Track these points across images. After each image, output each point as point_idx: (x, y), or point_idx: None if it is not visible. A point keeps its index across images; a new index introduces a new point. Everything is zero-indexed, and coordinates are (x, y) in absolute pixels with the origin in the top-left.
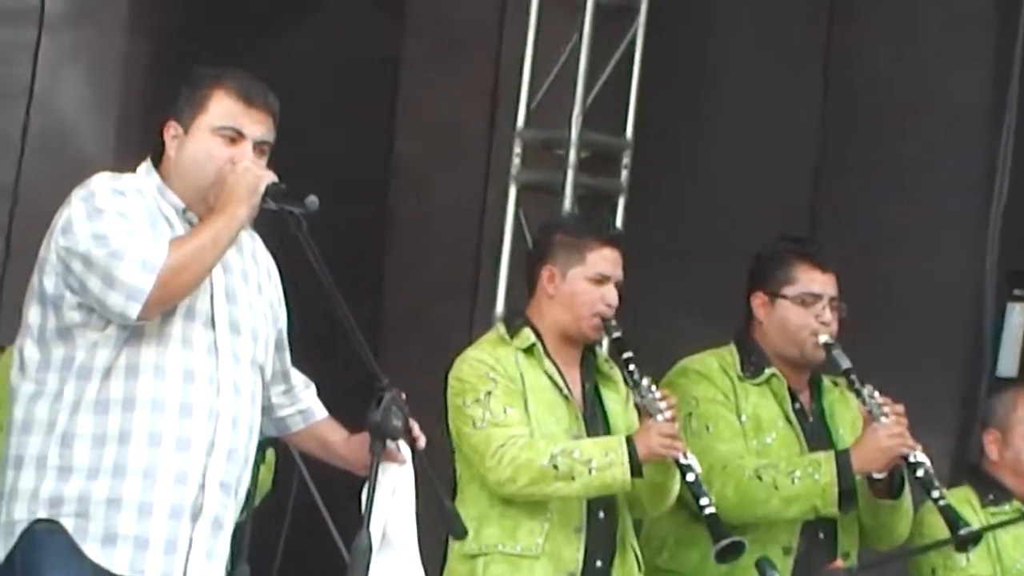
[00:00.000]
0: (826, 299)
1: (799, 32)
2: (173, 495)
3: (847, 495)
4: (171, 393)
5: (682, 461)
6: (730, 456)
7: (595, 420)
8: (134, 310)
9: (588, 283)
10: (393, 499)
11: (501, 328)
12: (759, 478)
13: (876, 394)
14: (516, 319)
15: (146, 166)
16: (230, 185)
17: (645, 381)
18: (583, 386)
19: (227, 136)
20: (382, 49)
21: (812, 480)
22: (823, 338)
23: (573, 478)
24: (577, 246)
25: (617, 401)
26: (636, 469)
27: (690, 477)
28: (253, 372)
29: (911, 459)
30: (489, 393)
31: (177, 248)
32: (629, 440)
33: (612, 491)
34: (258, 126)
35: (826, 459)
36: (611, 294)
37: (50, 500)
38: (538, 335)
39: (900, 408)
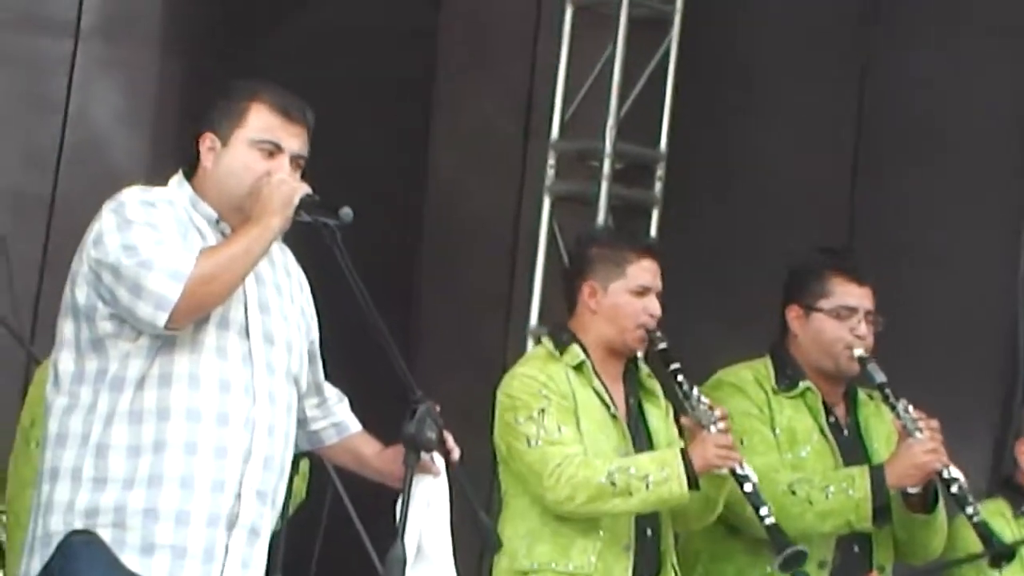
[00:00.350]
0: (862, 312)
1: (835, 44)
2: (210, 503)
3: (881, 510)
4: (207, 402)
5: (739, 472)
6: (765, 470)
7: (639, 436)
8: (162, 319)
9: (630, 296)
10: (428, 511)
11: (549, 344)
12: (793, 493)
13: (911, 408)
14: (562, 334)
15: (178, 178)
16: (264, 196)
17: (696, 391)
18: (627, 401)
19: (265, 149)
20: (417, 62)
21: (846, 495)
22: (858, 352)
23: (631, 494)
24: (616, 259)
25: (659, 416)
26: (693, 481)
27: (748, 487)
28: (288, 383)
29: (945, 475)
30: (543, 411)
31: (207, 257)
32: (684, 453)
33: (669, 505)
34: (295, 140)
35: (860, 474)
36: (653, 305)
37: (86, 511)
38: (585, 352)
39: (935, 423)
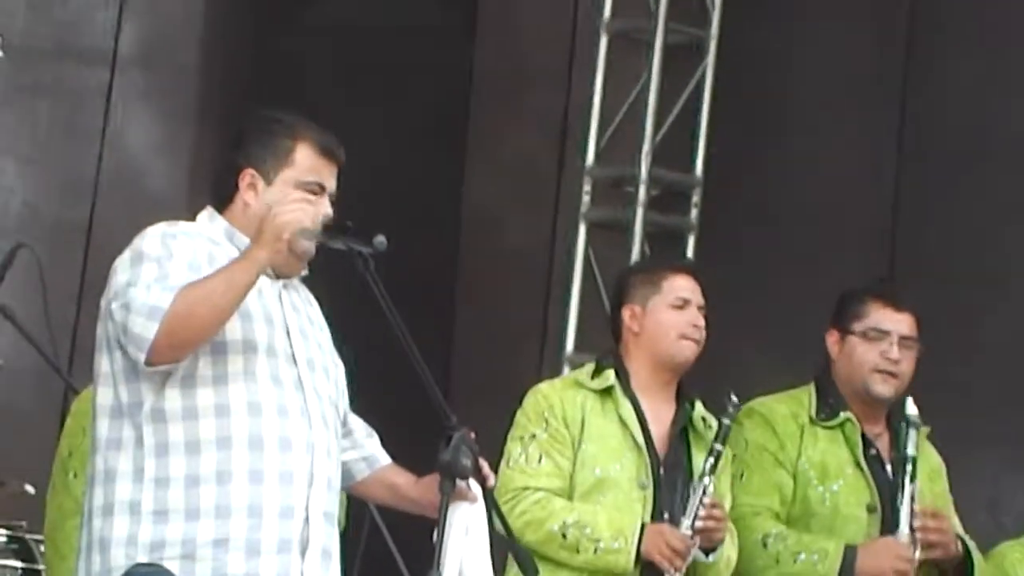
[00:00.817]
0: (895, 336)
1: (875, 67)
2: (280, 530)
3: None
4: (269, 429)
5: None
6: (747, 512)
7: (676, 468)
8: (140, 358)
9: (670, 309)
10: (467, 538)
11: (588, 367)
12: (765, 546)
13: (916, 495)
14: (606, 357)
15: (208, 213)
16: (258, 228)
17: (707, 480)
18: (671, 431)
19: (311, 191)
20: (453, 91)
21: (813, 566)
22: (911, 409)
23: (578, 551)
24: (652, 279)
25: (703, 457)
26: (639, 558)
27: None
28: (331, 407)
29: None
30: (533, 436)
31: (186, 293)
32: (643, 529)
33: (614, 574)
34: (332, 179)
35: (835, 551)
36: (696, 316)
37: (151, 545)
38: (624, 376)
39: (945, 526)
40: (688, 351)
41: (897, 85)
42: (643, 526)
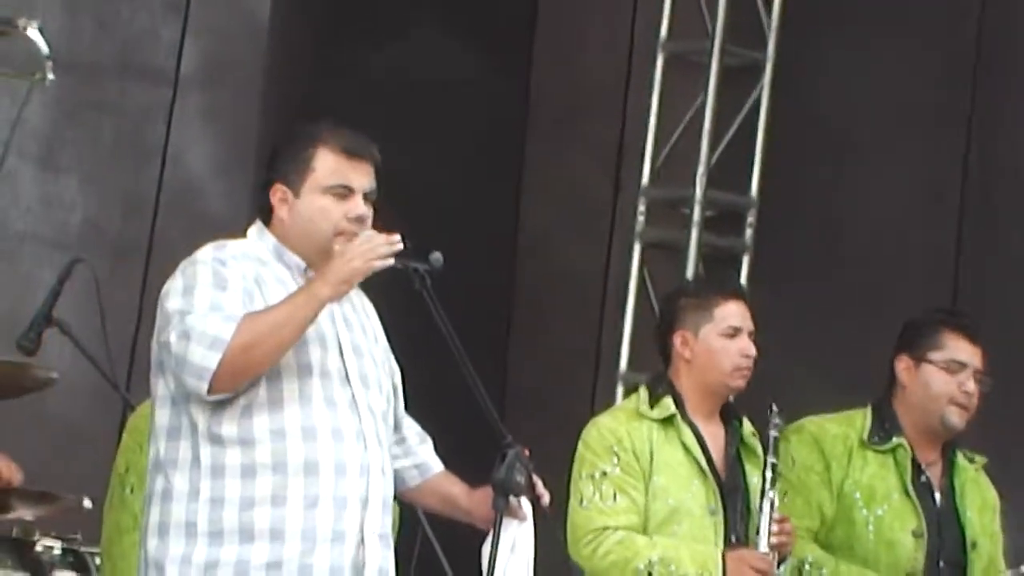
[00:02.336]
0: (971, 369)
1: (938, 88)
2: (331, 555)
3: None
4: (324, 453)
5: None
6: None
7: (735, 493)
8: (203, 388)
9: (722, 338)
10: (512, 555)
11: (643, 394)
12: (799, 572)
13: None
14: (659, 385)
15: (257, 228)
16: (330, 264)
17: (772, 494)
18: (727, 451)
19: (338, 194)
20: (509, 114)
21: None
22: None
23: None
24: (703, 305)
25: (758, 475)
26: None
27: None
28: (385, 424)
29: None
30: (605, 473)
31: (249, 324)
32: (724, 558)
33: None
34: (364, 178)
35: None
36: (747, 345)
37: (205, 565)
38: (680, 403)
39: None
40: (740, 381)
41: (963, 109)
42: (723, 555)
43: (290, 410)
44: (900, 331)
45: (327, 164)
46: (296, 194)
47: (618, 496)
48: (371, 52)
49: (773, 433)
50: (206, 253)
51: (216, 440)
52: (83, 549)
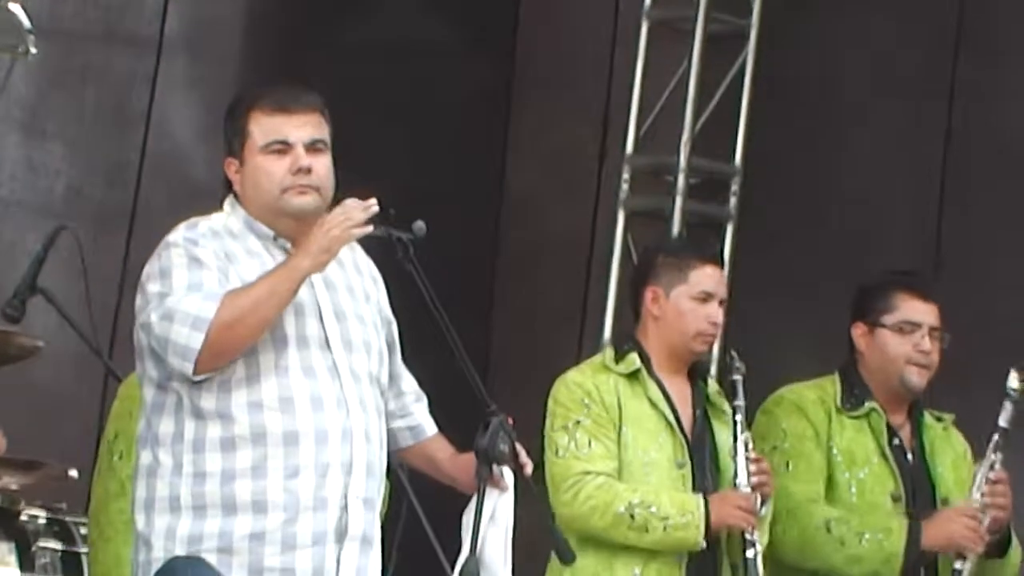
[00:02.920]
0: (926, 328)
1: (920, 59)
2: (314, 522)
3: (912, 568)
4: (303, 422)
5: (747, 536)
6: (802, 500)
7: (702, 448)
8: (188, 368)
9: (692, 301)
10: (491, 525)
11: (609, 352)
12: (828, 530)
13: (997, 466)
14: (626, 343)
15: (231, 201)
16: (311, 235)
17: (744, 436)
18: (694, 412)
19: (276, 150)
20: (495, 78)
21: (879, 545)
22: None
23: (647, 531)
24: (679, 266)
25: (727, 432)
26: (710, 531)
27: (749, 554)
28: (372, 386)
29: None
30: (578, 422)
31: (230, 302)
32: (707, 502)
33: (683, 550)
34: (303, 129)
35: (899, 528)
36: (716, 312)
37: (189, 538)
38: (646, 359)
39: (1003, 489)
40: (703, 347)
41: (946, 79)
42: (705, 498)
43: (267, 382)
44: (854, 297)
45: (260, 125)
46: (242, 163)
47: (593, 443)
48: (355, 18)
49: (736, 377)
50: (177, 234)
51: (198, 414)
52: (68, 519)
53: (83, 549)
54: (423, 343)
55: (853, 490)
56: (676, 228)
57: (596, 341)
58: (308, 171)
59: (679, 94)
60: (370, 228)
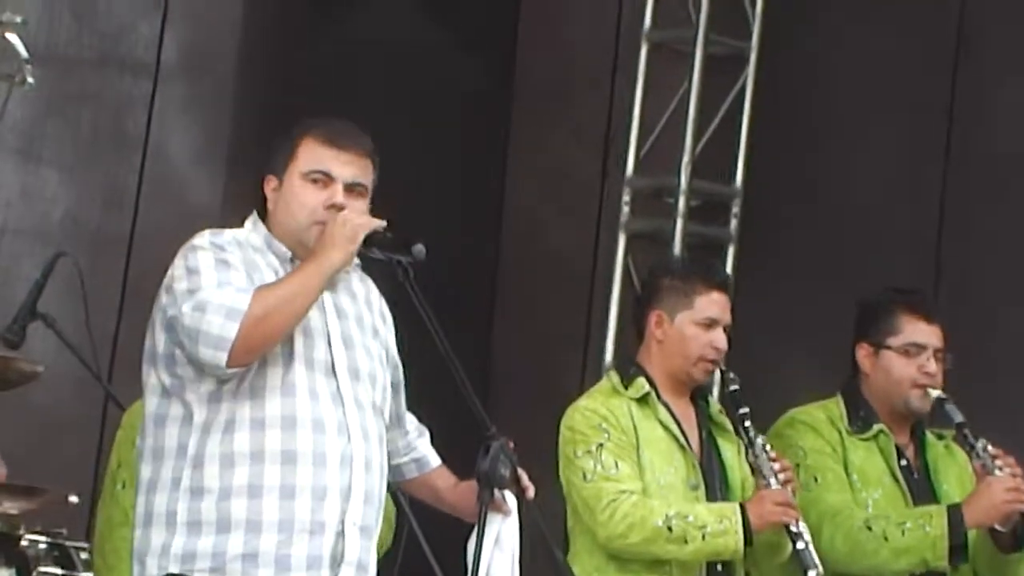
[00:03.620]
0: (931, 350)
1: (919, 78)
2: (310, 546)
3: (958, 549)
4: (303, 444)
5: (793, 529)
6: (840, 506)
7: (712, 469)
8: (222, 359)
9: (697, 327)
10: (497, 550)
11: (615, 377)
12: (869, 528)
13: (989, 447)
14: (629, 367)
15: (252, 219)
16: (328, 232)
17: (760, 440)
18: (700, 433)
19: (317, 180)
20: (495, 99)
21: (923, 532)
22: (935, 392)
23: (686, 542)
24: (685, 290)
25: (732, 451)
26: (748, 537)
27: (800, 545)
28: (375, 416)
29: None
30: (601, 445)
31: (263, 295)
32: (743, 508)
33: (723, 557)
34: (349, 168)
35: (938, 512)
36: (720, 338)
37: (182, 556)
38: (651, 383)
39: (1012, 460)
40: (703, 375)
41: (944, 97)
42: (741, 505)
43: (271, 400)
44: (856, 317)
45: (309, 152)
46: (281, 183)
47: (620, 464)
48: (353, 39)
49: (733, 388)
50: (203, 239)
51: (202, 428)
52: (69, 544)
53: (83, 574)
54: (423, 364)
55: (870, 510)
56: (677, 250)
57: (599, 363)
58: (341, 209)
59: (679, 116)
60: (384, 222)
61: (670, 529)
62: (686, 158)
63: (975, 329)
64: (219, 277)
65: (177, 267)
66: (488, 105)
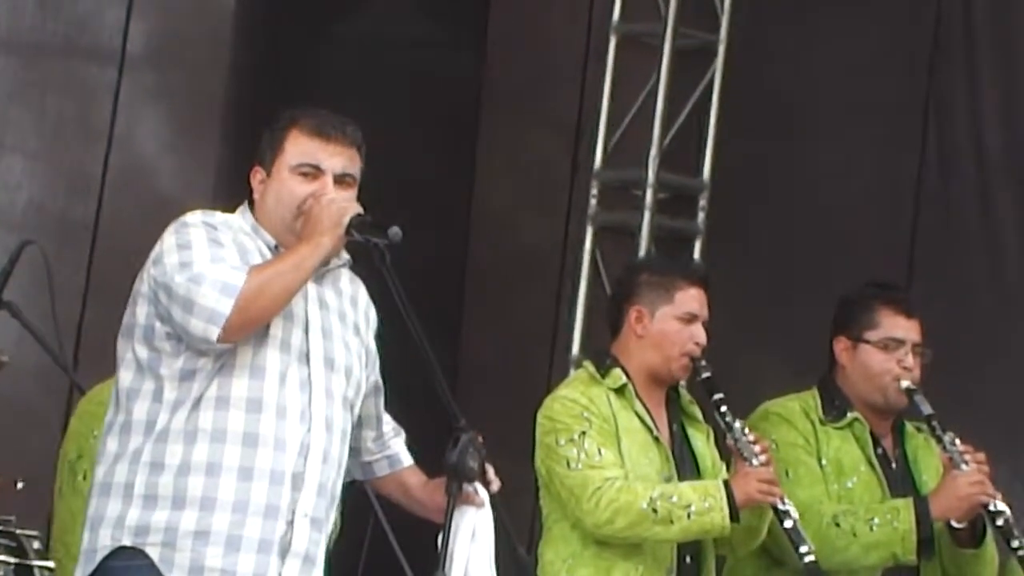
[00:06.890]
0: (909, 344)
1: (892, 71)
2: (263, 529)
3: (926, 542)
4: (265, 428)
5: (780, 507)
6: (809, 502)
7: (684, 461)
8: (214, 333)
9: (678, 322)
10: (474, 543)
11: (591, 367)
12: (838, 525)
13: (957, 441)
14: (605, 359)
15: (243, 208)
16: (315, 216)
17: (738, 424)
18: (671, 427)
19: (306, 173)
20: (465, 91)
21: (891, 527)
22: (904, 383)
23: (672, 522)
24: (664, 285)
25: (703, 441)
26: (734, 514)
27: (788, 523)
28: (344, 409)
29: (991, 508)
30: (583, 433)
31: (258, 273)
32: (727, 484)
33: (710, 535)
34: (337, 159)
35: (905, 506)
36: (700, 333)
37: (136, 528)
38: (627, 375)
39: (981, 456)
40: (684, 371)
41: (919, 92)
42: (725, 483)
43: (239, 380)
44: (835, 310)
45: (297, 144)
46: (269, 175)
47: (603, 451)
48: (321, 30)
49: (706, 374)
50: (195, 217)
51: (172, 406)
52: (19, 531)
53: (36, 562)
54: (395, 357)
55: (842, 501)
56: (644, 243)
57: (566, 356)
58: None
59: (647, 109)
60: (359, 208)
61: (655, 511)
62: (654, 151)
63: (948, 328)
64: (212, 253)
65: (167, 242)
66: (459, 98)
